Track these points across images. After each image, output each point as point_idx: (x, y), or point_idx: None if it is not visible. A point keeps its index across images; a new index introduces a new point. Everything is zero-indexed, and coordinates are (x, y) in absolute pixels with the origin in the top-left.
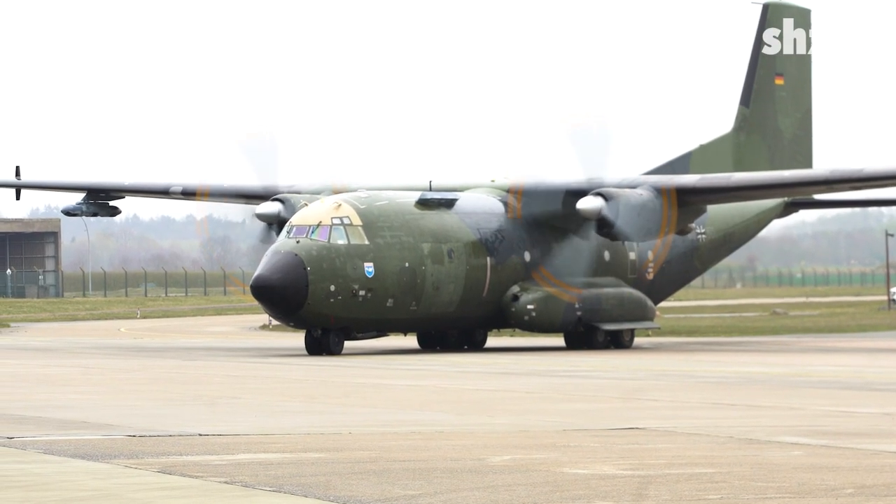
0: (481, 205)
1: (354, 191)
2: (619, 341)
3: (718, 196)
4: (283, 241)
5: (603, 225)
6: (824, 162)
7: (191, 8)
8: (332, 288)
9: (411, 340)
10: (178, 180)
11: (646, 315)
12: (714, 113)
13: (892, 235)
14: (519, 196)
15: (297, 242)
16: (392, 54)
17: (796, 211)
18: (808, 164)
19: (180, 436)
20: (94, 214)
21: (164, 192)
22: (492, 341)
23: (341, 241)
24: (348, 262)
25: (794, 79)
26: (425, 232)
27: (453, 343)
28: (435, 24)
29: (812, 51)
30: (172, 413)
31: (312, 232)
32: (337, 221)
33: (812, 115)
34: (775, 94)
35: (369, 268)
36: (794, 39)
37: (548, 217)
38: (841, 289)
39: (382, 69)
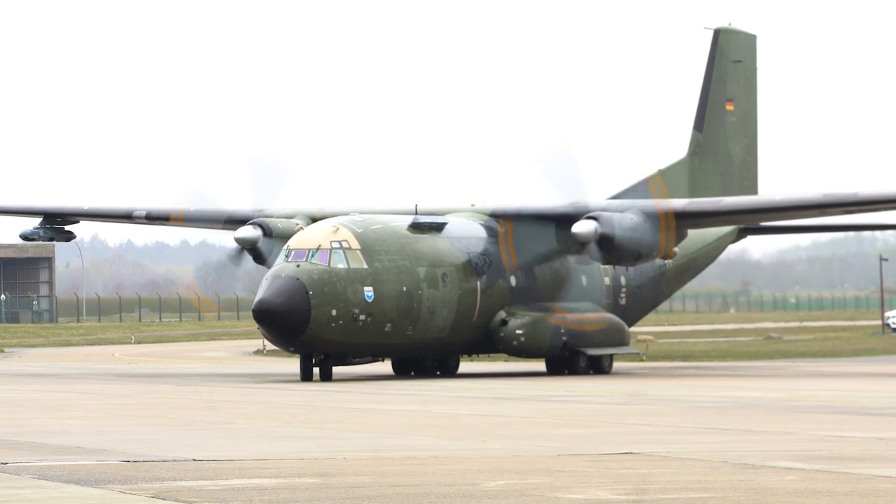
0: (468, 229)
1: (332, 216)
2: (598, 366)
3: (707, 220)
4: (282, 265)
5: (599, 249)
6: (769, 188)
7: (156, 27)
8: (334, 312)
9: (385, 366)
10: (141, 204)
11: (624, 340)
12: (671, 138)
13: (885, 260)
14: (510, 222)
15: (298, 266)
16: (368, 78)
17: (745, 237)
18: (754, 190)
19: (174, 461)
20: (51, 239)
21: (126, 217)
22: (465, 367)
23: (341, 265)
24: (349, 286)
25: (742, 104)
26: (420, 256)
27: (429, 369)
28: (413, 49)
29: (758, 76)
30: (166, 438)
31: (312, 256)
32: (336, 245)
33: (758, 140)
34: (726, 119)
35: (369, 292)
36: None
37: (537, 242)
38: (835, 313)
39: (357, 92)
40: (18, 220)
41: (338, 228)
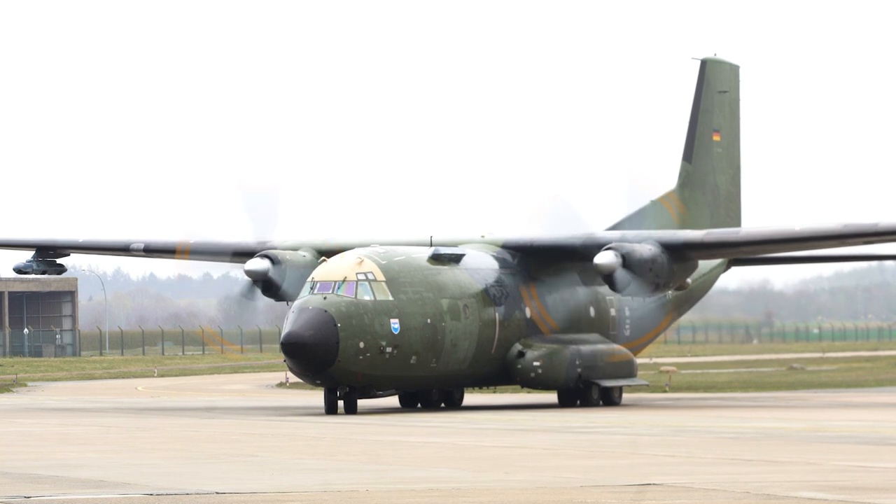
0: (483, 260)
1: (338, 248)
2: (609, 398)
3: (723, 251)
4: (308, 297)
5: (618, 280)
6: (752, 220)
7: (163, 53)
8: (362, 345)
9: (391, 399)
10: (138, 237)
11: (633, 371)
12: (661, 169)
13: None
14: (532, 251)
15: (325, 298)
16: (375, 109)
17: (731, 267)
18: (738, 222)
19: (197, 494)
20: (44, 272)
21: (123, 250)
22: (469, 398)
23: (367, 297)
24: (375, 318)
25: (727, 135)
26: (443, 287)
27: (435, 401)
28: (420, 79)
29: (741, 107)
30: (190, 471)
31: (338, 288)
32: (362, 277)
33: (741, 171)
34: (713, 150)
35: (395, 324)
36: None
37: (556, 271)
38: (858, 344)
39: (364, 122)
40: (12, 253)
41: (362, 260)
